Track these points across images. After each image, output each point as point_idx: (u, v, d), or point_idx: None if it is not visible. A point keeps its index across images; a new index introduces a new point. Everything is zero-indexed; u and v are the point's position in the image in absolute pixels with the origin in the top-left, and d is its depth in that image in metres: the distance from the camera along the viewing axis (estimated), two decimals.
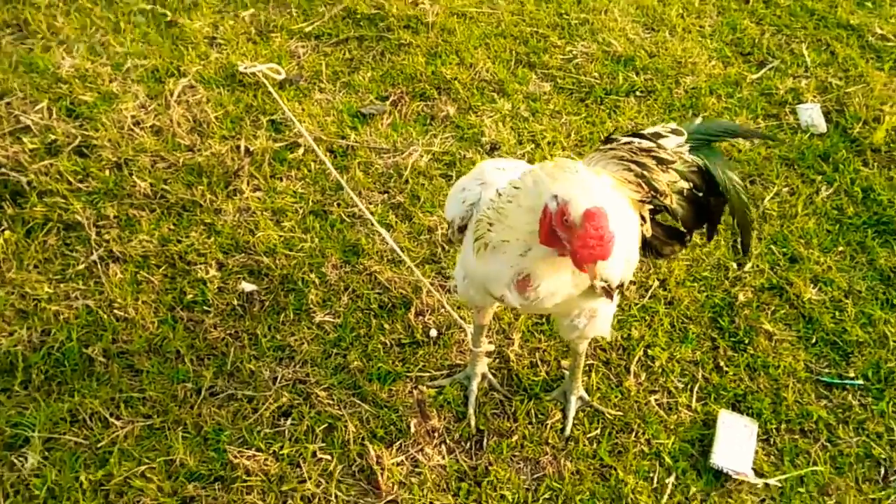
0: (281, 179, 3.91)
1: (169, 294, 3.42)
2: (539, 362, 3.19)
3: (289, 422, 3.01)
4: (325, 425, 3.00)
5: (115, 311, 3.34)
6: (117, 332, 3.28)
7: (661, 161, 2.61)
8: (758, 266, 3.49)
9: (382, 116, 4.23)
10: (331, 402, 3.06)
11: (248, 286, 3.46)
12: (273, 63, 4.47)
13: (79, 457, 2.91)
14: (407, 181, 3.87)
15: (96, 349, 3.21)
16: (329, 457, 2.91)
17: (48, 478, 2.82)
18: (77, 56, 4.55)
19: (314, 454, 2.92)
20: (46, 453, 2.91)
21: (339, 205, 3.79)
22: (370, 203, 3.80)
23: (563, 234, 2.05)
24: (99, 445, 2.93)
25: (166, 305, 3.39)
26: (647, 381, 3.14)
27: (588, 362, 3.18)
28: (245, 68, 4.44)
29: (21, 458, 2.88)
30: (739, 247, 2.89)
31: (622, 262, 2.40)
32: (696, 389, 3.12)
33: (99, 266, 3.51)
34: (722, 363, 3.19)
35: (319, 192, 3.85)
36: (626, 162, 2.59)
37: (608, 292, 2.41)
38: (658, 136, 2.68)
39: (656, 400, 3.09)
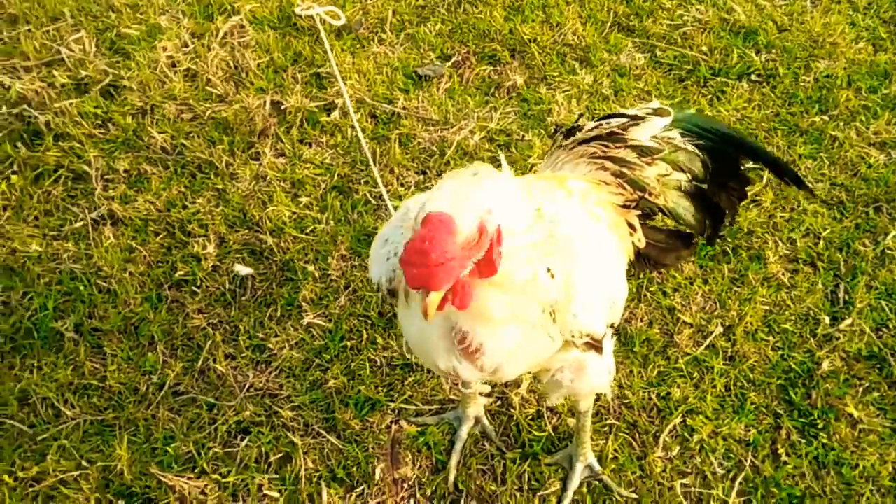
0: (310, 145, 3.44)
1: (160, 267, 3.07)
2: (546, 413, 2.61)
3: (244, 442, 2.61)
4: (282, 455, 2.57)
5: (99, 280, 3.03)
6: (95, 305, 2.97)
7: (643, 151, 2.04)
8: (858, 325, 2.71)
9: (440, 80, 3.64)
10: (295, 425, 2.63)
11: (242, 269, 3.05)
12: (334, 7, 3.95)
13: (20, 446, 2.64)
14: (448, 162, 3.31)
15: (69, 323, 2.92)
16: (277, 494, 2.50)
17: None
18: None
19: (260, 488, 2.51)
20: None
21: (366, 182, 3.29)
22: (402, 185, 3.27)
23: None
24: (42, 437, 2.65)
25: (154, 280, 3.04)
26: (679, 458, 2.50)
27: (610, 421, 2.57)
28: (302, 10, 3.95)
29: None
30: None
31: (603, 304, 1.87)
32: (739, 479, 2.45)
33: (97, 226, 3.20)
34: (781, 450, 2.49)
35: (349, 164, 3.36)
36: (598, 159, 2.03)
37: (593, 346, 1.87)
38: (637, 119, 2.09)
39: (684, 486, 2.45)
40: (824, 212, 3.03)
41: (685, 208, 2.13)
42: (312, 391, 2.72)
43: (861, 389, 2.58)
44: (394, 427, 2.62)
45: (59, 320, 2.93)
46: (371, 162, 3.28)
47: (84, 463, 2.59)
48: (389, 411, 2.66)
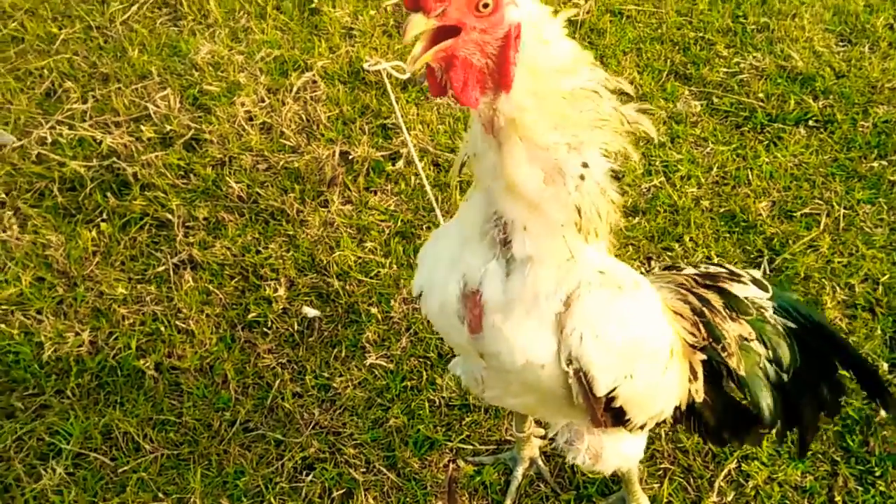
0: (375, 193, 3.61)
1: (234, 309, 3.26)
2: None
3: (309, 478, 2.74)
4: (344, 490, 2.69)
5: (179, 321, 3.23)
6: (174, 345, 3.16)
7: (731, 305, 1.97)
8: None
9: None
10: (357, 462, 2.75)
11: (311, 311, 3.21)
12: (400, 62, 4.15)
13: (102, 478, 2.82)
14: None
15: (150, 361, 3.12)
16: None
17: (67, 497, 2.75)
18: (217, 42, 4.50)
19: None
20: (73, 469, 2.85)
21: (428, 227, 3.43)
22: None
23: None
24: (122, 470, 2.83)
25: (228, 321, 3.23)
26: (734, 503, 2.52)
27: (664, 465, 2.61)
28: (370, 66, 4.14)
29: (49, 470, 2.84)
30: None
31: (620, 359, 1.70)
32: None
33: (177, 270, 3.42)
34: (838, 497, 2.48)
35: (412, 211, 3.51)
36: (684, 290, 1.97)
37: (587, 396, 1.70)
38: (734, 276, 2.05)
39: None
40: (883, 257, 3.03)
41: (758, 389, 2.00)
42: (374, 429, 2.83)
43: None
44: (451, 466, 2.71)
45: (141, 359, 3.13)
46: (435, 207, 3.42)
47: (160, 495, 2.75)
48: (447, 450, 2.75)
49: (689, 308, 1.96)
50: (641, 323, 1.74)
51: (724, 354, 1.94)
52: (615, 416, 1.80)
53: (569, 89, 1.49)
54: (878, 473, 2.51)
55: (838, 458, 2.56)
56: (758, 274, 2.10)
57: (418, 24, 1.38)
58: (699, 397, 1.96)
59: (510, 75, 1.43)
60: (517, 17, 1.42)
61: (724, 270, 2.07)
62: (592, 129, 1.52)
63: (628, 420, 1.83)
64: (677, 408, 1.97)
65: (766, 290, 2.04)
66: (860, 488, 2.49)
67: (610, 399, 1.74)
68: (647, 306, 1.78)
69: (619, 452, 1.97)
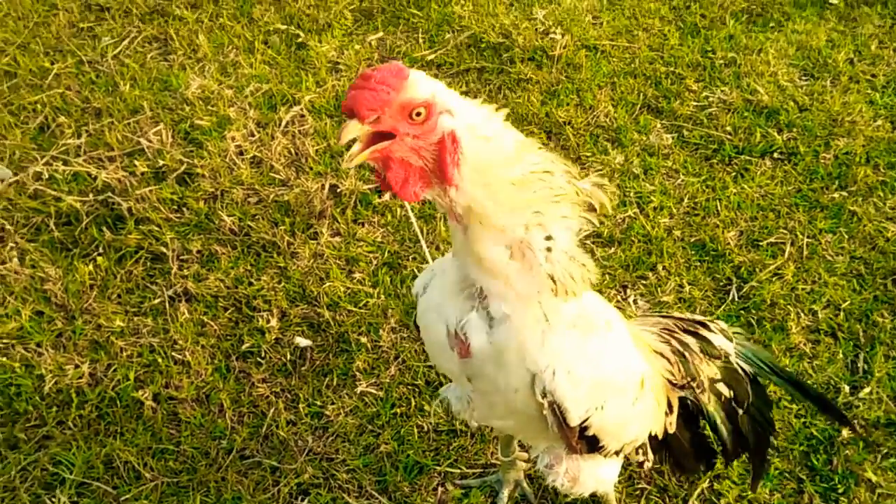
0: (362, 225, 3.76)
1: (228, 340, 3.39)
2: None
3: (304, 503, 2.87)
4: None
5: (175, 353, 3.36)
6: (171, 375, 3.29)
7: (706, 349, 2.20)
8: (877, 393, 2.88)
9: None
10: (350, 486, 2.89)
11: (303, 341, 3.35)
12: None
13: None
14: None
15: (148, 392, 3.24)
16: None
17: None
18: (207, 76, 4.64)
19: None
20: (76, 498, 2.96)
21: (414, 258, 3.59)
22: None
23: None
24: (124, 498, 2.95)
25: (223, 352, 3.35)
26: None
27: (641, 485, 2.77)
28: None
29: (53, 500, 2.95)
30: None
31: (591, 393, 1.84)
32: None
33: (173, 302, 3.54)
34: None
35: (398, 242, 3.66)
36: (667, 333, 2.18)
37: (561, 425, 1.83)
38: (705, 326, 2.27)
39: None
40: (844, 284, 3.22)
41: (722, 421, 2.25)
42: (366, 455, 2.97)
43: (880, 456, 2.75)
44: (440, 489, 2.85)
45: (139, 390, 3.25)
46: (420, 238, 3.57)
47: None
48: (436, 474, 2.90)
49: (670, 349, 2.16)
50: (611, 360, 1.89)
51: (698, 392, 2.16)
52: (589, 443, 1.96)
53: (518, 176, 1.59)
54: (841, 490, 2.68)
55: (804, 477, 2.73)
56: (724, 325, 2.34)
57: (353, 129, 1.51)
58: (672, 429, 2.16)
59: (449, 174, 1.53)
60: (450, 125, 1.52)
61: (700, 318, 2.30)
62: (550, 204, 1.63)
63: (602, 447, 1.98)
64: (654, 437, 2.14)
65: (731, 340, 2.29)
66: None
67: (583, 428, 1.89)
68: (617, 344, 1.94)
69: (595, 476, 2.12)
